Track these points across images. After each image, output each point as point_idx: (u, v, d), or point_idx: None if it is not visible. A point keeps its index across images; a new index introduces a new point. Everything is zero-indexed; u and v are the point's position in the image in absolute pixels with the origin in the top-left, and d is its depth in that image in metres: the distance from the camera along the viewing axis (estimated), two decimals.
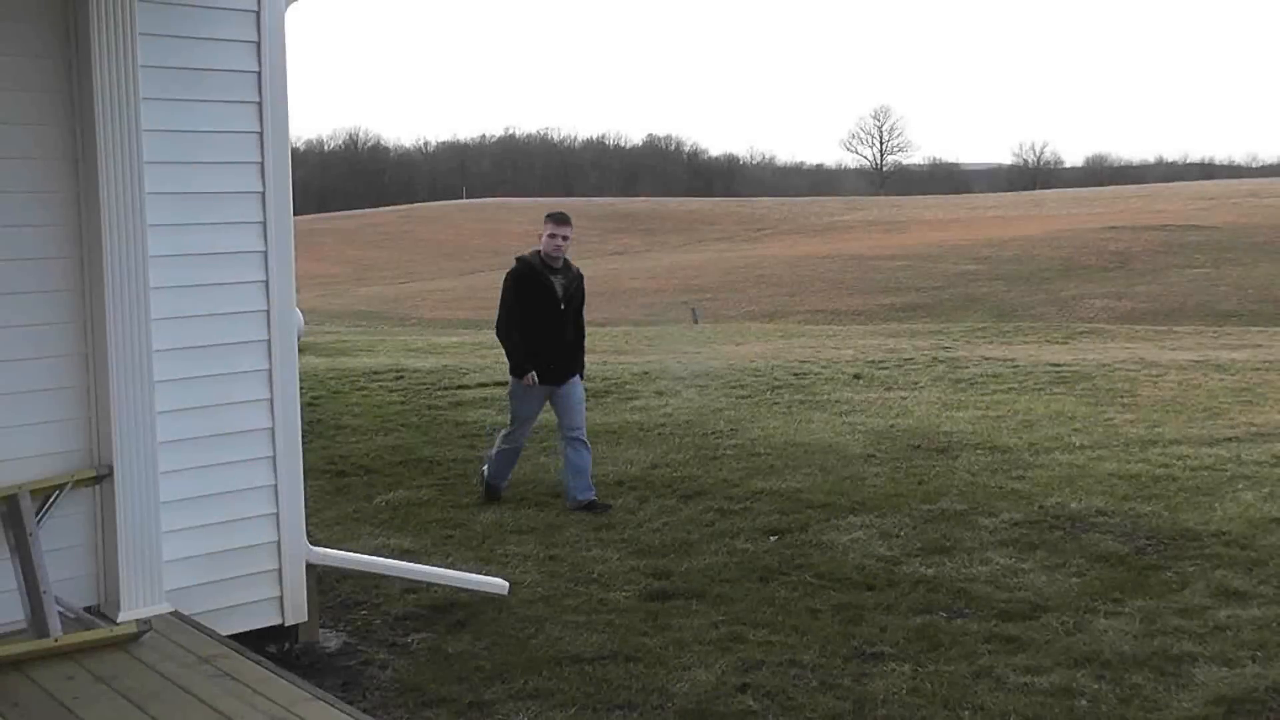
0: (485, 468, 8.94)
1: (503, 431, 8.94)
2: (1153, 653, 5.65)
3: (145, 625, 4.88)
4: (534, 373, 8.49)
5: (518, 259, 8.67)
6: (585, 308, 8.83)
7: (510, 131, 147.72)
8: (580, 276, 8.77)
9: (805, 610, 6.31)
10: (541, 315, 8.49)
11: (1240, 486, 8.67)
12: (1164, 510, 8.07)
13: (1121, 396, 12.94)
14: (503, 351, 8.86)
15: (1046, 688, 5.28)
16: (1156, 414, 11.75)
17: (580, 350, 8.78)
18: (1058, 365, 15.66)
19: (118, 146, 4.97)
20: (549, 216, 8.62)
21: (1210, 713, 5.02)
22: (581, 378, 8.77)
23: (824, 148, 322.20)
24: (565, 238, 8.50)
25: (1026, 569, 6.92)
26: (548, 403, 8.73)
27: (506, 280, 8.66)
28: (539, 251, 8.56)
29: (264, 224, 5.45)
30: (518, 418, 8.75)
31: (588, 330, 9.17)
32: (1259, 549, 7.18)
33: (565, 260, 8.61)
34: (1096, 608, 6.27)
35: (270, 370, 5.53)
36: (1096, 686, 5.30)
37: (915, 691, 5.27)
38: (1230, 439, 10.44)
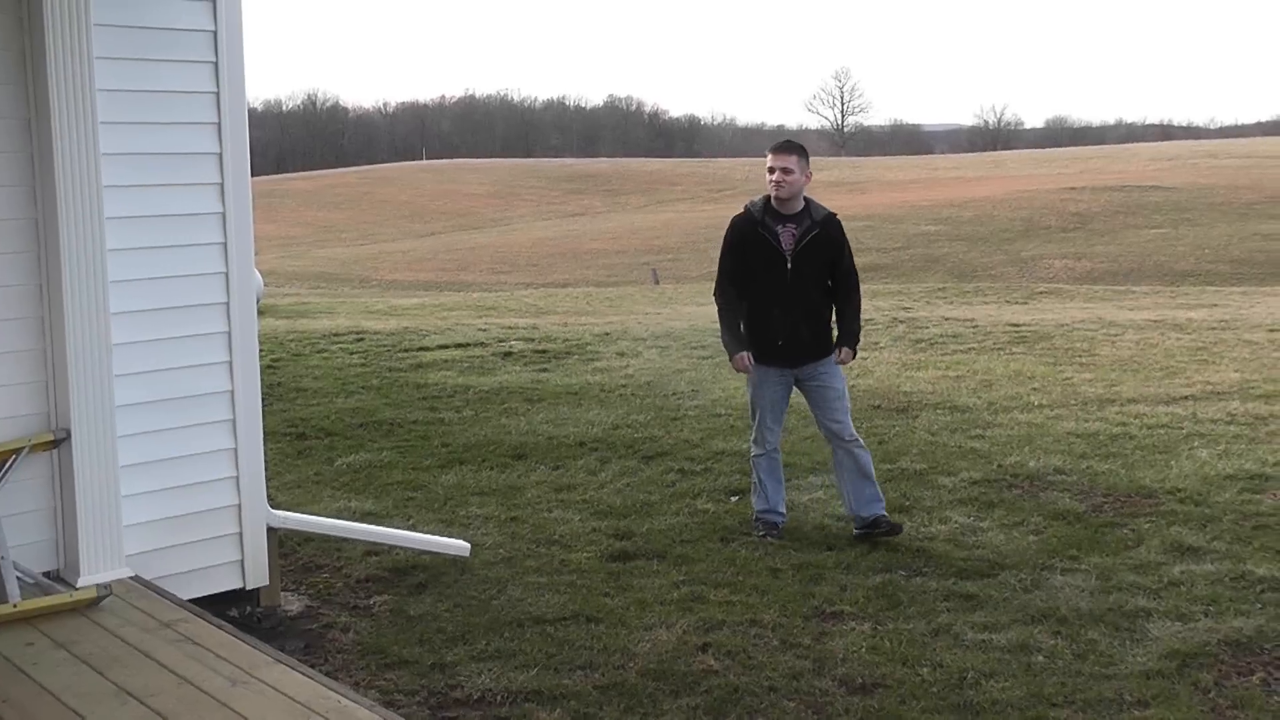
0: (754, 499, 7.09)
1: (752, 438, 7.02)
2: (1108, 609, 5.73)
3: (105, 590, 4.85)
4: (745, 354, 6.74)
5: (747, 204, 6.90)
6: (847, 261, 6.81)
7: (470, 92, 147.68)
8: (825, 222, 6.72)
9: (766, 570, 6.35)
10: (761, 276, 6.67)
11: (1195, 444, 8.77)
12: (1121, 468, 8.16)
13: (1080, 356, 13.05)
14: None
15: (1004, 644, 5.35)
16: (1114, 373, 11.86)
17: (849, 319, 6.84)
18: (1017, 325, 15.77)
19: (71, 106, 4.90)
20: (771, 146, 6.78)
21: (1164, 666, 5.09)
22: (854, 352, 6.88)
23: (785, 109, 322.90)
24: (787, 170, 6.56)
25: (985, 527, 6.99)
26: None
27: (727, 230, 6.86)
28: (769, 195, 6.75)
29: (221, 185, 5.39)
30: (754, 405, 6.90)
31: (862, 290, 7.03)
32: (1212, 505, 7.28)
33: (808, 202, 6.76)
34: (1053, 565, 6.34)
35: (229, 333, 5.48)
36: (1053, 642, 5.37)
37: (874, 649, 5.32)
38: (1186, 397, 10.55)
